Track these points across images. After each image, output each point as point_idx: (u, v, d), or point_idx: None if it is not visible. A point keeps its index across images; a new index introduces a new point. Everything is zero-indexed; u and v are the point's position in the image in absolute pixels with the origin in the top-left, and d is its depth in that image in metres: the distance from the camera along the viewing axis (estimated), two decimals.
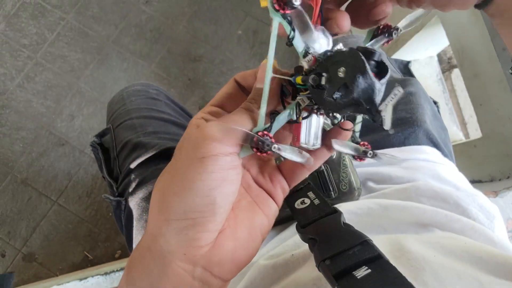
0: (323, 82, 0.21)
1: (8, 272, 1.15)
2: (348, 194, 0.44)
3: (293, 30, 0.22)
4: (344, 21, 0.25)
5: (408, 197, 0.43)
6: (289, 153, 0.23)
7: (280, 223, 0.43)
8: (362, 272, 0.21)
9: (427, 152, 0.50)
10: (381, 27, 0.26)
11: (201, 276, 0.23)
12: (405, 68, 0.73)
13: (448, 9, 0.25)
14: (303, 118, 0.24)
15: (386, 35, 0.26)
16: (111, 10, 1.40)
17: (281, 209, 0.41)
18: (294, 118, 0.24)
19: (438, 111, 0.60)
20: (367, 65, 0.20)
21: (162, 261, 0.23)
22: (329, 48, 0.24)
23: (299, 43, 0.23)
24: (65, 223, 1.25)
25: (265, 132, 0.22)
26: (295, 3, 0.21)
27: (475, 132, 1.28)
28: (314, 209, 0.29)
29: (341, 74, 0.21)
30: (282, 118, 0.24)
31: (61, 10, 1.40)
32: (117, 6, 1.41)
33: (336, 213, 0.27)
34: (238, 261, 0.25)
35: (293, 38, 0.23)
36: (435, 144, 0.52)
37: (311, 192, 0.32)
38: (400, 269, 0.29)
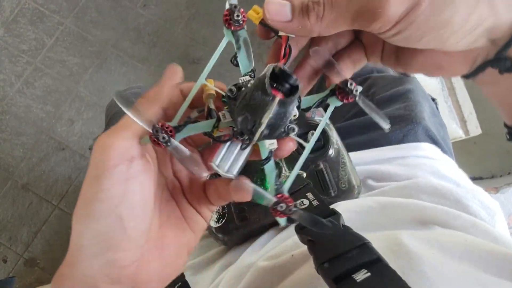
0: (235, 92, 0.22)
1: (9, 277, 1.15)
2: (347, 192, 0.44)
3: (239, 48, 0.23)
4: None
5: (408, 194, 0.43)
6: (182, 156, 0.22)
7: (279, 223, 0.43)
8: (361, 275, 0.21)
9: (426, 149, 0.50)
10: (341, 90, 0.23)
11: None
12: None
13: (436, 75, 0.24)
14: (223, 141, 0.23)
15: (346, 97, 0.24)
16: (109, 14, 1.41)
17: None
18: (209, 130, 0.23)
19: (437, 108, 0.60)
20: (267, 81, 0.20)
21: (86, 285, 0.22)
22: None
23: (243, 62, 0.24)
24: (67, 227, 1.25)
25: (167, 125, 0.21)
26: (239, 21, 0.22)
27: (475, 130, 1.28)
28: (312, 211, 0.29)
29: (249, 85, 0.22)
30: (195, 126, 0.23)
31: (59, 15, 1.40)
32: (115, 10, 1.41)
33: (335, 215, 0.27)
34: (165, 279, 0.25)
35: (237, 56, 0.23)
36: (434, 141, 0.52)
37: (309, 193, 0.32)
38: (398, 261, 0.29)
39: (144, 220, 0.23)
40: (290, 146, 0.23)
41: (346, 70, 0.27)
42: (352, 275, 0.21)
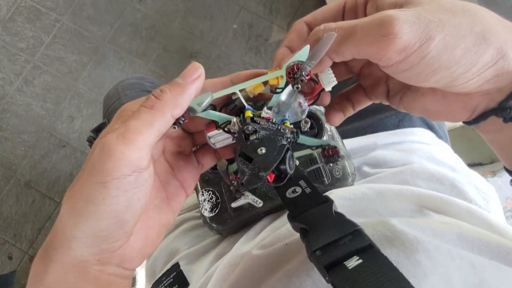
0: (250, 138, 0.26)
1: (10, 272, 1.16)
2: (342, 180, 0.43)
3: (282, 89, 0.26)
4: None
5: (404, 180, 0.42)
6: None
7: (273, 211, 0.42)
8: (353, 262, 0.21)
9: (422, 134, 0.49)
10: (327, 152, 0.31)
11: (115, 271, 0.25)
12: None
13: (437, 120, 0.26)
14: (222, 129, 0.28)
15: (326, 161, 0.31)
16: (105, 10, 1.40)
17: (273, 198, 0.40)
18: (219, 124, 0.28)
19: None
20: (267, 173, 0.25)
21: (77, 269, 0.23)
22: (299, 117, 0.29)
23: (274, 99, 0.27)
24: None
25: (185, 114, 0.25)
26: (302, 80, 0.24)
27: None
28: (305, 198, 0.29)
29: (259, 151, 0.26)
30: (212, 115, 0.27)
31: (56, 12, 1.40)
32: (112, 6, 1.41)
33: (327, 202, 0.27)
34: (146, 255, 0.27)
35: (277, 93, 0.27)
36: (429, 126, 0.51)
37: (302, 180, 0.32)
38: (393, 250, 0.28)
39: (139, 216, 0.24)
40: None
41: (345, 111, 0.31)
42: (344, 262, 0.21)
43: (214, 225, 0.42)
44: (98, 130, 0.66)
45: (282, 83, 0.26)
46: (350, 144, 0.49)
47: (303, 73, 0.24)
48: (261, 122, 0.27)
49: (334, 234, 0.23)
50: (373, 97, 0.30)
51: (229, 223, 0.41)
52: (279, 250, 0.35)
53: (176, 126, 0.24)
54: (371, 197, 0.39)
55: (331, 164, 0.29)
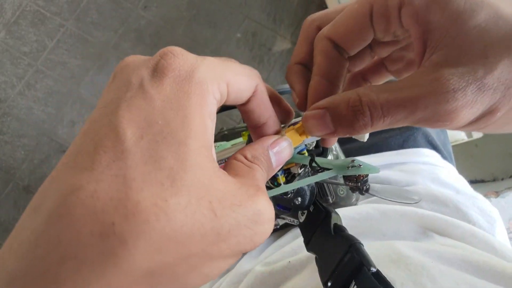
0: (296, 202, 0.30)
1: None
2: (346, 199, 0.43)
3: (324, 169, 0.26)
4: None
5: None
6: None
7: (277, 229, 0.43)
8: None
9: (426, 155, 0.50)
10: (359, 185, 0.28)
11: None
12: None
13: (435, 127, 0.22)
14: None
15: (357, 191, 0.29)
16: (110, 16, 1.41)
17: (278, 217, 0.40)
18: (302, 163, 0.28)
19: None
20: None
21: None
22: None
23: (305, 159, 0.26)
24: None
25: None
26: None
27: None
28: (311, 218, 0.29)
29: (295, 202, 0.30)
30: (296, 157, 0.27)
31: (60, 17, 1.40)
32: (116, 12, 1.41)
33: (326, 217, 0.27)
34: None
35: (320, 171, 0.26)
36: (434, 147, 0.51)
37: None
38: (398, 272, 0.28)
39: None
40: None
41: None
42: None
43: None
44: None
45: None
46: None
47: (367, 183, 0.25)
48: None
49: (335, 258, 0.23)
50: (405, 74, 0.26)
51: None
52: (282, 267, 0.35)
53: None
54: (375, 217, 0.39)
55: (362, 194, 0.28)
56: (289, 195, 0.30)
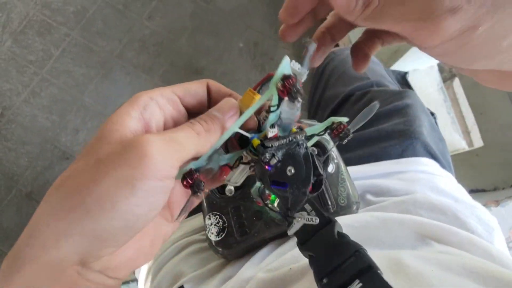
0: (271, 164, 0.24)
1: None
2: (346, 208, 0.44)
3: (278, 106, 0.24)
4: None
5: (406, 209, 0.43)
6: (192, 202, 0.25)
7: (278, 237, 0.43)
8: (354, 286, 0.22)
9: (425, 164, 0.50)
10: (336, 131, 0.27)
11: (96, 278, 0.22)
12: (403, 79, 0.73)
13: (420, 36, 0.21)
14: (236, 167, 0.27)
15: (338, 139, 0.28)
16: (114, 26, 1.43)
17: (279, 225, 0.41)
18: (231, 164, 0.27)
19: (436, 122, 0.60)
20: (309, 187, 0.24)
21: (53, 270, 0.20)
22: (293, 116, 0.26)
23: (274, 117, 0.25)
24: None
25: (200, 177, 0.23)
26: (300, 92, 0.22)
27: (480, 140, 1.27)
28: (312, 226, 0.29)
29: (288, 173, 0.25)
30: (221, 159, 0.26)
31: (66, 27, 1.43)
32: (121, 22, 1.44)
33: (329, 224, 0.27)
34: (135, 266, 0.24)
35: (273, 111, 0.24)
36: (433, 156, 0.52)
37: (307, 204, 0.33)
38: (398, 282, 0.29)
39: (148, 224, 0.22)
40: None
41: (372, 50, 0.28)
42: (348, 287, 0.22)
43: (219, 249, 0.42)
44: None
45: (274, 100, 0.24)
46: (353, 171, 0.49)
47: (298, 86, 0.22)
48: (272, 144, 0.25)
49: (337, 259, 0.24)
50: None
51: (235, 247, 0.42)
52: (283, 274, 0.35)
53: (199, 194, 0.23)
54: (374, 225, 0.40)
55: (345, 141, 0.26)
56: (276, 163, 0.25)
